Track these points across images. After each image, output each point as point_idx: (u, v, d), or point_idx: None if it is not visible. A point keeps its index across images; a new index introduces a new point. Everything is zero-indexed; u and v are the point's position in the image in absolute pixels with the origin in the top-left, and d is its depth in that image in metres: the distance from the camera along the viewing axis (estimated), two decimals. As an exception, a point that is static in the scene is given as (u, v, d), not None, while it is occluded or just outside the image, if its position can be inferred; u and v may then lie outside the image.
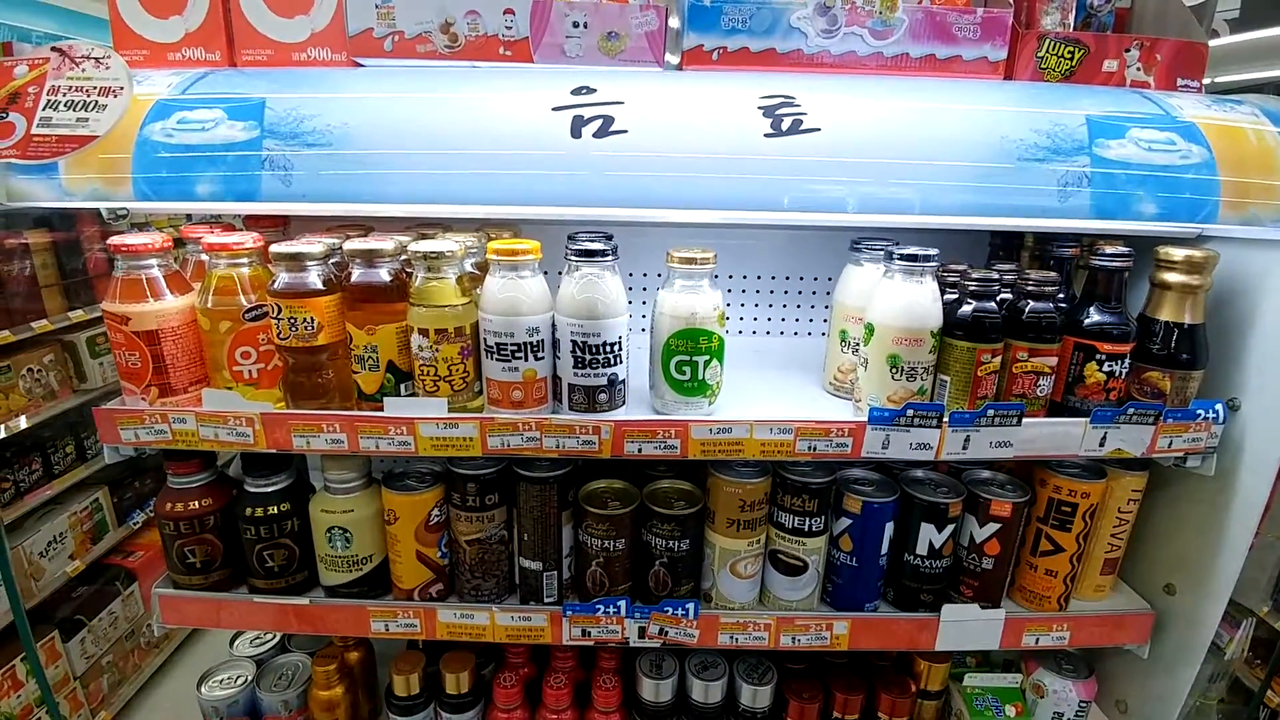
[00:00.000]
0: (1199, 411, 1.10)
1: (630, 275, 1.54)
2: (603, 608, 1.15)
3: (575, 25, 1.09)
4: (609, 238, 1.24)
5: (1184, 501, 1.24)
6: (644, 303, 1.54)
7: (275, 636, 1.50)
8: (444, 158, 0.99)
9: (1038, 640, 1.22)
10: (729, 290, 1.56)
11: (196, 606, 1.21)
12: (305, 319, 1.04)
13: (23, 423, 2.57)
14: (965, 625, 1.20)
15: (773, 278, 1.55)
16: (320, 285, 1.05)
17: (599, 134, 0.99)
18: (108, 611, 2.86)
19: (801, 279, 1.55)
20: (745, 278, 1.56)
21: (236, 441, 1.07)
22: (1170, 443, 1.11)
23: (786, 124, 0.99)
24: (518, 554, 1.20)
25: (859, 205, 1.00)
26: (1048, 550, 1.22)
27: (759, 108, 1.01)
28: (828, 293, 1.52)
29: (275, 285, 1.04)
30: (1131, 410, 1.09)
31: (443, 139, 1.00)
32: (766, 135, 1.00)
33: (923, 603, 1.22)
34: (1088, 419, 1.09)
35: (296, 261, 1.03)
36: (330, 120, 1.00)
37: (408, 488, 1.17)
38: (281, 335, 1.05)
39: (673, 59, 1.20)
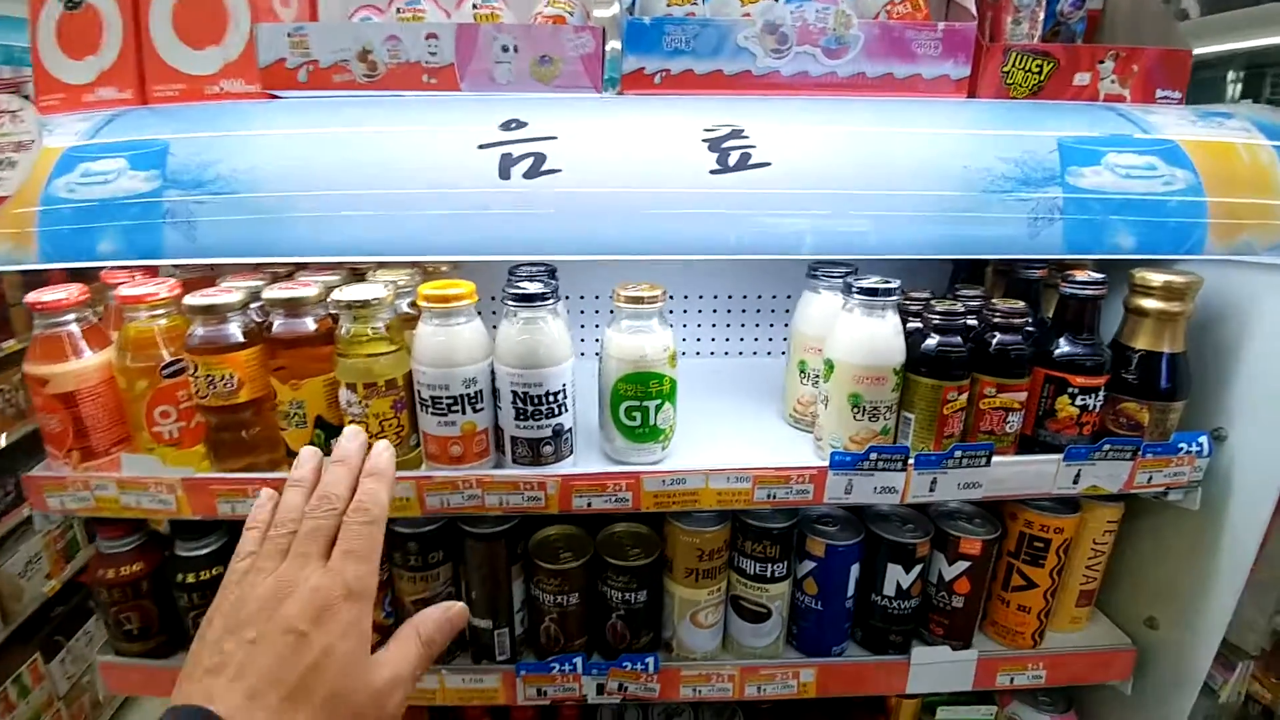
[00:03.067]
0: (1181, 445, 1.04)
1: (581, 311, 1.46)
2: (557, 666, 1.10)
3: (504, 49, 1.00)
4: (553, 273, 1.17)
5: (1166, 532, 1.19)
6: (596, 337, 1.47)
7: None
8: (359, 201, 0.91)
9: (1012, 680, 1.18)
10: (684, 311, 1.49)
11: (139, 674, 1.15)
12: (224, 376, 0.97)
13: (1, 441, 2.52)
14: (936, 667, 1.16)
15: (730, 297, 1.48)
16: (240, 338, 0.98)
17: (529, 174, 0.91)
18: (83, 631, 2.83)
19: (760, 298, 1.48)
20: (701, 298, 1.49)
21: (159, 509, 1.00)
22: (1150, 478, 1.05)
23: (734, 159, 0.91)
24: (469, 608, 1.15)
25: (814, 244, 0.92)
26: (1020, 585, 1.17)
27: (704, 140, 0.93)
28: (787, 310, 1.44)
29: (191, 340, 0.97)
30: (1107, 446, 1.03)
31: (358, 181, 0.91)
32: (713, 172, 0.91)
33: (892, 644, 1.17)
34: (1060, 456, 1.03)
35: (213, 314, 0.96)
36: (236, 164, 0.92)
37: (349, 544, 1.11)
38: (200, 394, 0.98)
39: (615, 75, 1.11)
